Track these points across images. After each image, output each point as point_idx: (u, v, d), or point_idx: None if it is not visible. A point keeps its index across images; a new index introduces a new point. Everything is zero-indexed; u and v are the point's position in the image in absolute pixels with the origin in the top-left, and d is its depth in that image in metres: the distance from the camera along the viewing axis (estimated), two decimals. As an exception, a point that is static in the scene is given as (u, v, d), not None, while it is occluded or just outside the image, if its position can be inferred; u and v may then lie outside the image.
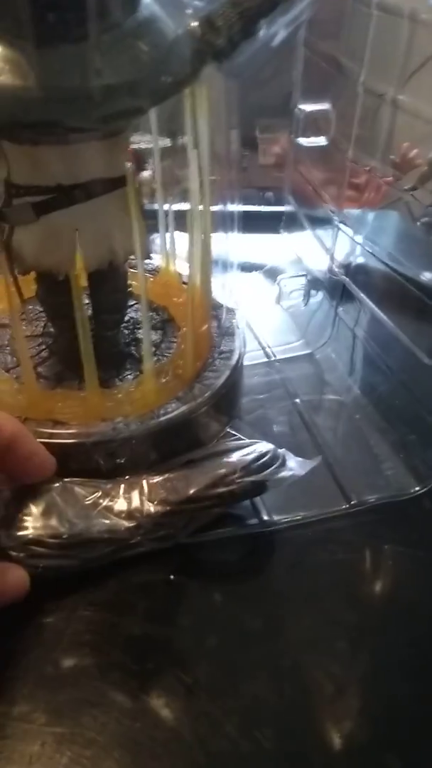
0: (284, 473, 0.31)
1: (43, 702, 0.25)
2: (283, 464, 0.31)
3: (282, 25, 0.29)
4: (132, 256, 0.33)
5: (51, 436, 0.31)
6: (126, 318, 0.39)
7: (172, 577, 0.30)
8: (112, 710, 0.25)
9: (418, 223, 0.43)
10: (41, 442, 0.30)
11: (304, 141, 0.42)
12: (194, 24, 0.27)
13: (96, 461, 0.32)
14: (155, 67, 0.25)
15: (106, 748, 0.24)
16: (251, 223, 0.42)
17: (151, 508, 0.29)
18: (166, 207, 0.40)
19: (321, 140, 0.41)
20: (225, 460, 0.31)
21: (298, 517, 0.33)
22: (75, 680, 0.26)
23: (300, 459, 0.32)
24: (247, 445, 0.33)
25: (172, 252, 0.42)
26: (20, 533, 0.27)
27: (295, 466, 0.31)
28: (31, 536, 0.27)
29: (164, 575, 0.30)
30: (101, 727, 0.25)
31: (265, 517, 0.33)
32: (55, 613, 0.28)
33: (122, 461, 0.32)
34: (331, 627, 0.29)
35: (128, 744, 0.24)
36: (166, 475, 0.31)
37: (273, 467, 0.31)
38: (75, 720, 0.25)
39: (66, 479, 0.31)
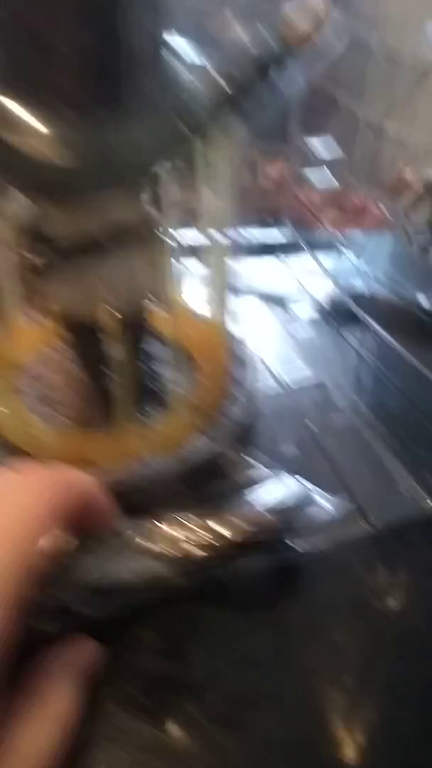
0: (321, 516, 0.32)
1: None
2: (315, 506, 0.32)
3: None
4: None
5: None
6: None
7: (188, 608, 0.31)
8: (125, 743, 0.25)
9: (415, 246, 0.45)
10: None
11: (311, 175, 0.43)
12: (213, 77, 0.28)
13: (127, 501, 0.33)
14: (184, 128, 0.26)
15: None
16: (250, 248, 0.43)
17: (196, 551, 0.29)
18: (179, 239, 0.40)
19: (327, 175, 0.42)
20: (267, 506, 0.32)
21: (319, 542, 0.34)
22: (86, 714, 0.26)
23: (331, 498, 0.33)
24: (273, 480, 0.34)
25: (183, 284, 0.43)
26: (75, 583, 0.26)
27: (329, 508, 0.32)
28: (85, 586, 0.27)
29: (178, 606, 0.31)
30: (112, 759, 0.25)
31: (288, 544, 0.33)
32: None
33: (152, 500, 0.33)
34: (344, 658, 0.29)
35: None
36: (207, 519, 0.31)
37: (310, 511, 0.32)
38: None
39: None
